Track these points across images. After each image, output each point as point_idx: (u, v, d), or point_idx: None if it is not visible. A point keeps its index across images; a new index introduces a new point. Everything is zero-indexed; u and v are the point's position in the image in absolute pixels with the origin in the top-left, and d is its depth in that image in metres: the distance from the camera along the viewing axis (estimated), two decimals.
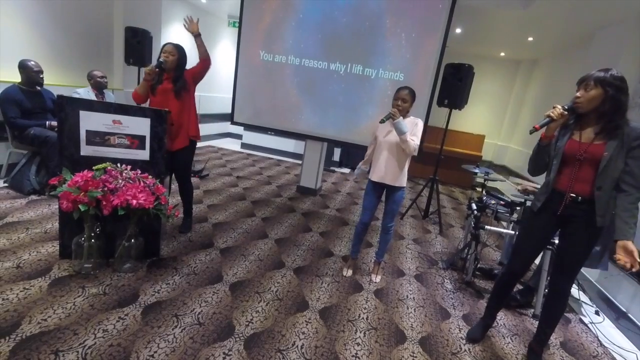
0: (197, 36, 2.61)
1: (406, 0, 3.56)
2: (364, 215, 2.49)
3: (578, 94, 1.59)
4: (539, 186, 1.93)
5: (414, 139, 2.23)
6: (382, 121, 2.20)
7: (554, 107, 1.60)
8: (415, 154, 2.27)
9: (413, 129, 2.25)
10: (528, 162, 1.84)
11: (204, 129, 6.97)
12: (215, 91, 7.20)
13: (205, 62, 2.65)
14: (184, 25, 2.63)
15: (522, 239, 1.92)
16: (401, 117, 2.19)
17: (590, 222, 1.64)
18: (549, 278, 2.25)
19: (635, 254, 1.52)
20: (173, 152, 2.66)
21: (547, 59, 6.19)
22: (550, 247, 2.36)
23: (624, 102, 1.53)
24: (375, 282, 2.54)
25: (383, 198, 2.49)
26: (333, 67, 3.90)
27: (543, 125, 1.59)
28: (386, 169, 2.34)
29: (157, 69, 2.47)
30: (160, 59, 2.48)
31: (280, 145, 6.85)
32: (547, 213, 1.78)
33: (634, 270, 1.53)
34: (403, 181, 2.37)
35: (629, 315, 2.55)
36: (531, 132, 1.62)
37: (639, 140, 1.52)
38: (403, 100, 2.23)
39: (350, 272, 2.61)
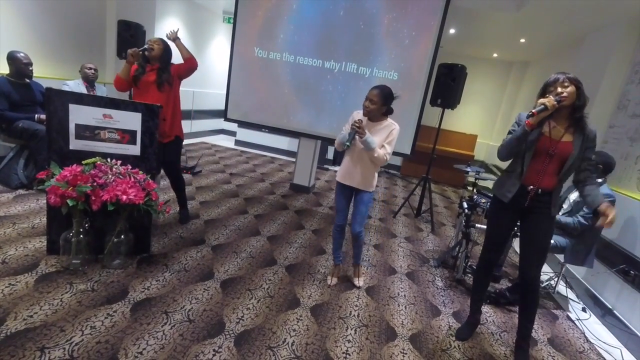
0: (174, 40, 2.61)
1: (401, 0, 3.57)
2: (338, 217, 2.37)
3: (560, 89, 1.67)
4: None
5: (386, 148, 2.12)
6: (347, 146, 2.05)
7: (547, 97, 1.67)
8: (386, 163, 2.17)
9: (387, 137, 2.12)
10: (501, 148, 1.83)
11: (197, 125, 6.97)
12: (209, 87, 7.14)
13: (190, 62, 2.64)
14: (166, 35, 2.65)
15: (493, 228, 2.00)
16: (368, 134, 2.04)
17: (549, 211, 1.79)
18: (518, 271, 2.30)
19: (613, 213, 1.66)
20: (162, 146, 2.64)
21: (539, 61, 6.26)
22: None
23: (587, 98, 1.72)
24: (359, 287, 2.44)
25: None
26: (327, 65, 3.89)
27: (539, 112, 1.65)
28: (357, 174, 2.22)
29: (140, 52, 2.48)
30: (146, 46, 2.51)
31: (274, 143, 6.83)
32: (513, 205, 1.85)
33: (611, 226, 1.68)
34: (373, 185, 2.28)
35: (615, 312, 2.60)
36: (528, 117, 1.68)
37: (593, 142, 1.74)
38: (370, 102, 2.06)
39: (334, 281, 2.45)
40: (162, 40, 2.59)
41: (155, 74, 2.55)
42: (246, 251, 2.69)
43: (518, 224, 1.97)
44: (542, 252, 1.85)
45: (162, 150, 2.68)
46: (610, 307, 2.66)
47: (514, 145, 1.77)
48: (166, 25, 5.80)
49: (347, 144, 2.04)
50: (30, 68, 3.20)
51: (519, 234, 2.36)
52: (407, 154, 3.98)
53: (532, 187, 1.78)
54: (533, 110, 1.66)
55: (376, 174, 2.29)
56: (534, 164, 1.78)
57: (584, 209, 2.53)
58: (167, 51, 2.61)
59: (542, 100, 1.67)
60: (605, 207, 1.65)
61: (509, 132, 1.84)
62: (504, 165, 2.01)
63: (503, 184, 1.90)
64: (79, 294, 1.87)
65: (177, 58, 2.67)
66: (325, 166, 6.41)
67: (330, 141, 4.93)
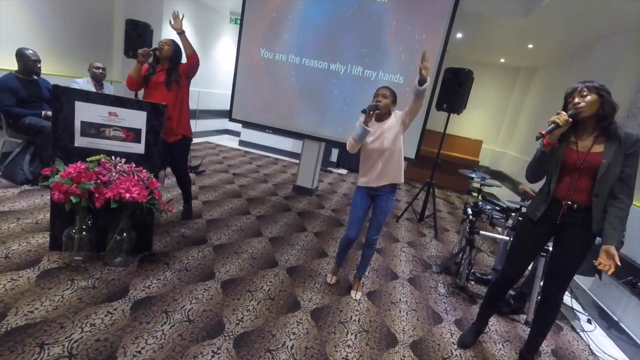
0: (180, 34, 2.59)
1: (409, 3, 3.57)
2: (352, 230, 2.24)
3: (577, 100, 1.59)
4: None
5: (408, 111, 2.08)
6: (368, 112, 1.98)
7: (558, 114, 1.57)
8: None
9: (396, 117, 2.12)
10: (526, 169, 1.81)
11: (202, 124, 6.99)
12: (214, 87, 7.17)
13: (192, 58, 2.64)
14: (170, 22, 2.60)
15: (518, 245, 1.91)
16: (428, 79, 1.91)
17: (586, 229, 1.67)
18: (541, 285, 2.25)
19: (616, 257, 1.57)
20: (169, 145, 2.70)
21: (546, 67, 6.22)
22: (545, 254, 2.36)
23: (616, 105, 1.59)
24: (356, 300, 2.34)
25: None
26: (333, 67, 3.89)
27: (549, 132, 1.57)
28: (387, 170, 2.14)
29: (151, 52, 2.52)
30: (157, 46, 2.56)
31: (278, 144, 6.83)
32: (545, 221, 1.77)
33: (609, 272, 1.58)
34: (402, 175, 2.20)
35: (621, 324, 2.56)
36: (537, 139, 1.60)
37: (633, 147, 1.57)
38: (384, 96, 2.09)
39: (334, 279, 2.47)
40: (172, 40, 2.63)
41: (164, 74, 2.59)
42: (247, 252, 2.68)
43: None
44: (571, 271, 1.77)
45: (170, 149, 2.72)
46: (617, 319, 2.61)
47: (535, 166, 1.71)
48: None
49: (370, 112, 1.98)
50: (39, 65, 3.22)
51: (542, 254, 2.31)
52: (411, 159, 3.96)
53: (564, 202, 1.69)
54: (543, 132, 1.57)
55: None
56: (563, 179, 1.69)
57: None
58: (177, 51, 2.64)
59: (552, 118, 1.56)
60: (611, 250, 1.56)
61: (537, 151, 1.73)
62: (508, 171, 1.98)
63: (535, 202, 1.82)
64: (79, 290, 1.87)
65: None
66: (329, 168, 6.40)
67: (335, 144, 4.93)
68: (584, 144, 1.65)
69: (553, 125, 1.55)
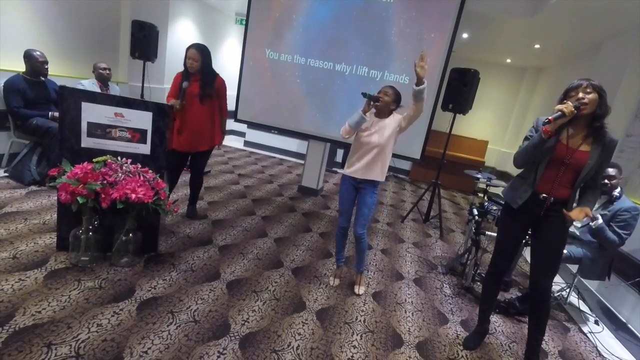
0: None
1: (414, 3, 3.55)
2: (342, 219, 2.38)
3: (581, 95, 1.60)
4: None
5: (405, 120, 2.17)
6: (364, 94, 2.11)
7: (564, 103, 1.60)
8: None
9: (397, 120, 2.19)
10: (517, 154, 1.78)
11: None
12: None
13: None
14: None
15: (503, 236, 1.95)
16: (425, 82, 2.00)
17: (561, 220, 1.74)
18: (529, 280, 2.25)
19: (589, 212, 1.66)
20: (192, 154, 2.81)
21: (553, 67, 6.17)
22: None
23: (609, 108, 1.64)
24: (359, 294, 2.38)
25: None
26: (338, 67, 3.89)
27: (556, 119, 1.59)
28: (376, 165, 2.20)
29: (182, 102, 2.59)
30: (186, 64, 2.58)
31: (283, 145, 6.83)
32: (525, 213, 1.81)
33: (579, 218, 1.69)
34: (385, 174, 2.25)
35: (629, 326, 2.53)
36: (544, 124, 1.63)
37: (612, 152, 1.68)
38: (385, 94, 2.16)
39: (337, 282, 2.48)
40: (199, 51, 2.57)
41: (198, 87, 2.61)
42: (253, 252, 2.69)
43: (529, 232, 1.93)
44: (555, 262, 1.81)
45: (199, 155, 2.86)
46: (625, 320, 2.58)
47: (531, 153, 1.71)
48: (179, 26, 5.86)
49: (370, 100, 2.12)
50: (46, 66, 3.25)
51: (529, 242, 2.31)
52: (416, 159, 3.94)
53: (545, 195, 1.74)
54: (550, 117, 1.60)
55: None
56: (548, 172, 1.73)
57: (615, 226, 2.38)
58: (206, 60, 2.62)
59: (559, 106, 1.59)
60: (584, 209, 1.68)
61: (526, 138, 1.77)
62: (515, 172, 1.97)
63: (515, 189, 1.85)
64: (86, 291, 1.88)
65: (216, 66, 2.74)
66: (334, 169, 6.40)
67: (340, 144, 4.92)
68: (574, 141, 1.69)
69: (559, 112, 1.58)
